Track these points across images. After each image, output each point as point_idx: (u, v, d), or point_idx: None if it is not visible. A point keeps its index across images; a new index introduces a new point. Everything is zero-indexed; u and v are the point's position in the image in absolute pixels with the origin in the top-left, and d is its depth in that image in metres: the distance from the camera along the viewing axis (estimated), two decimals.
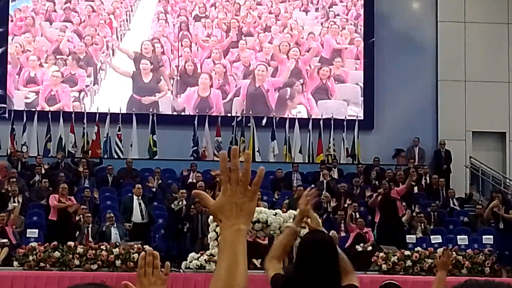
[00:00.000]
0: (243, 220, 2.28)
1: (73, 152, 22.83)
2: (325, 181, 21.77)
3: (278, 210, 16.40)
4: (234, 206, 2.28)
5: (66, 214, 18.07)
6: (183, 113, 24.21)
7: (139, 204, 19.28)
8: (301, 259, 4.36)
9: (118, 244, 17.18)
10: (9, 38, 24.11)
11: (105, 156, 22.86)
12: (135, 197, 19.36)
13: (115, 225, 18.58)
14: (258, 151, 23.53)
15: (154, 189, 20.29)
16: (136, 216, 19.17)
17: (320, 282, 4.22)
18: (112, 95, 24.20)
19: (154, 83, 24.36)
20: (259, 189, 2.33)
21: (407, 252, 17.55)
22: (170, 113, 24.21)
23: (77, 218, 18.42)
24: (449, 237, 19.84)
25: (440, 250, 17.69)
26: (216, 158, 23.24)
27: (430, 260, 17.06)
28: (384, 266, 17.28)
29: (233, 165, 2.26)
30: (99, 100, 24.11)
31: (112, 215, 18.73)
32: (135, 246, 16.73)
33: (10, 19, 24.25)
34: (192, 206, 18.38)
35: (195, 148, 23.32)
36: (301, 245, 4.43)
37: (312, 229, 4.50)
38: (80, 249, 16.56)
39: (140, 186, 19.63)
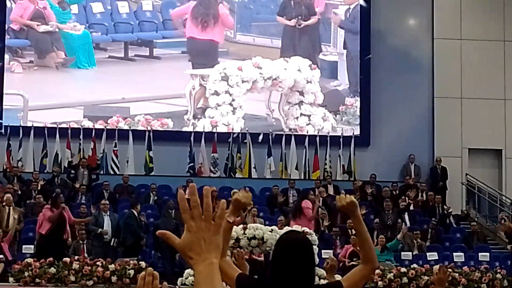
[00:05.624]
0: (214, 254, 2.31)
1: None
2: (321, 198, 21.73)
3: (274, 227, 16.39)
4: (202, 241, 2.30)
5: (58, 230, 17.94)
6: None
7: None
8: (277, 259, 4.36)
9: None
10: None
11: (101, 172, 22.82)
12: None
13: (108, 213, 18.90)
14: (254, 168, 23.51)
15: None
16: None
17: (295, 281, 4.22)
18: None
19: None
20: (223, 222, 2.34)
21: (403, 269, 17.52)
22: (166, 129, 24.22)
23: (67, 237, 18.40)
24: (445, 254, 19.84)
25: (436, 267, 17.58)
26: (212, 175, 23.23)
27: (426, 277, 17.03)
28: (380, 283, 17.26)
29: (193, 201, 2.29)
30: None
31: (107, 202, 19.33)
32: (131, 262, 16.69)
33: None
34: None
35: (191, 164, 23.30)
36: (277, 245, 4.43)
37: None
38: (75, 265, 16.51)
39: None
